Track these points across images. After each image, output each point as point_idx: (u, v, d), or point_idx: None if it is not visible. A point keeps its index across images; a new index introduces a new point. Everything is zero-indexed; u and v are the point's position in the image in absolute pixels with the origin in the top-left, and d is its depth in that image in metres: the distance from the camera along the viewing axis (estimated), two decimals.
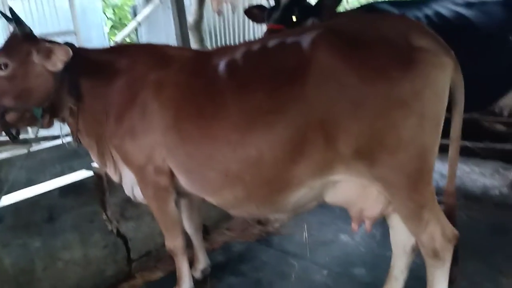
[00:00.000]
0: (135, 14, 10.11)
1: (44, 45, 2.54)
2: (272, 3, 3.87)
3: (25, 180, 4.10)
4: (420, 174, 2.21)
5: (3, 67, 2.51)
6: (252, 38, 9.90)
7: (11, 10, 2.48)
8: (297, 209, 2.62)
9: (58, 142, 4.61)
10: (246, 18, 10.18)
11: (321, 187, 2.42)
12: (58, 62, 2.52)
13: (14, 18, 2.49)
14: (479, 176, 5.02)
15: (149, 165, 2.61)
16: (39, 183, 3.25)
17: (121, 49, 2.98)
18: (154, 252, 3.71)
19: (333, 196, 2.49)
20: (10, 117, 2.61)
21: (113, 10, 17.04)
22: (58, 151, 4.50)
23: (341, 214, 4.18)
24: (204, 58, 2.65)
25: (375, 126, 2.10)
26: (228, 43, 9.53)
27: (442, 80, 2.12)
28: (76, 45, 2.81)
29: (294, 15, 3.63)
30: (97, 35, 10.39)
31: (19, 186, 3.25)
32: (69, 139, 3.04)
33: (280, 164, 2.29)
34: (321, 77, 2.14)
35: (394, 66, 2.06)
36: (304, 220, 4.20)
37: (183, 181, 2.66)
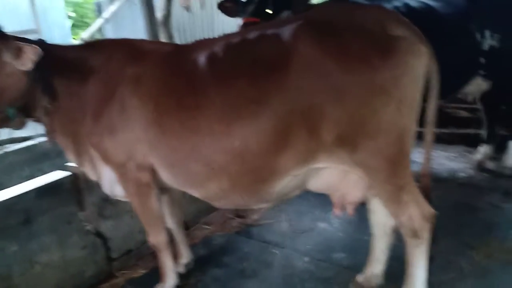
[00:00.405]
0: (99, 11, 9.89)
1: (14, 44, 2.44)
2: None
3: None
4: (399, 157, 2.30)
5: None
6: (220, 33, 9.87)
7: None
8: (280, 198, 2.65)
9: (26, 144, 4.48)
10: (215, 14, 10.21)
11: (304, 175, 2.46)
12: (28, 61, 2.43)
13: None
14: (445, 159, 5.29)
15: (130, 162, 2.58)
16: (8, 186, 3.12)
17: (96, 45, 2.90)
18: (135, 250, 3.67)
19: (315, 183, 2.55)
20: None
21: (74, 8, 16.62)
22: (26, 153, 4.35)
23: (317, 202, 4.30)
24: (183, 51, 2.64)
25: (357, 113, 2.18)
26: (196, 39, 9.46)
27: (419, 67, 2.21)
28: None
29: (268, 8, 3.67)
30: (60, 34, 10.11)
31: None
32: (40, 139, 2.97)
33: (265, 153, 2.31)
34: (304, 66, 2.18)
35: (374, 55, 2.13)
36: (282, 210, 4.27)
37: (165, 176, 2.64)
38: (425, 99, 2.33)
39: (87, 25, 16.14)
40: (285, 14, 3.75)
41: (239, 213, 4.35)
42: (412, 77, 2.19)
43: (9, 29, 2.57)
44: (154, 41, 3.44)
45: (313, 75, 2.17)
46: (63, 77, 2.62)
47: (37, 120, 2.77)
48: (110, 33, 9.70)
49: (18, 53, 2.43)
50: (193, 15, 9.56)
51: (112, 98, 2.54)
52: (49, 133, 2.75)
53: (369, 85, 2.14)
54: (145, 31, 5.69)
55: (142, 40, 2.89)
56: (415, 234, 2.44)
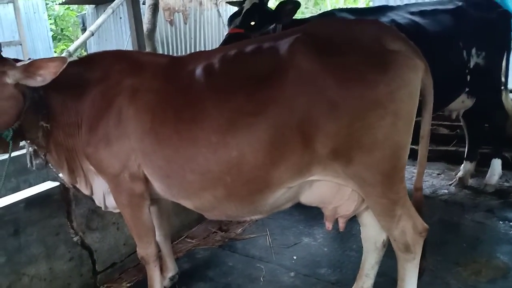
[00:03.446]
0: (83, 24, 9.89)
1: (22, 65, 2.39)
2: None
3: None
4: (394, 171, 2.31)
5: None
6: (203, 47, 10.03)
7: None
8: (273, 210, 2.65)
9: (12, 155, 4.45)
10: (197, 28, 10.37)
11: (298, 187, 2.48)
12: (47, 76, 2.38)
13: None
14: (428, 176, 5.35)
15: (124, 172, 2.58)
16: None
17: (90, 59, 2.88)
18: (119, 263, 3.67)
19: (309, 196, 2.56)
20: None
21: (55, 21, 16.55)
22: (13, 165, 4.33)
23: (301, 217, 4.35)
24: (179, 63, 2.66)
25: (352, 127, 2.17)
26: (180, 52, 9.56)
27: (414, 81, 2.22)
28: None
29: (253, 20, 3.82)
30: (43, 47, 10.06)
31: None
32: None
33: (260, 164, 2.32)
34: (300, 80, 2.20)
35: (370, 69, 2.15)
36: (265, 225, 4.29)
37: (159, 187, 2.65)
38: (417, 114, 2.34)
39: (67, 38, 16.10)
40: (273, 26, 3.87)
41: (222, 227, 4.36)
42: (408, 91, 2.19)
43: None
44: (151, 53, 3.43)
45: (309, 89, 2.18)
46: (58, 94, 2.61)
47: (32, 141, 2.70)
48: (95, 46, 9.71)
49: (33, 71, 2.38)
50: (177, 29, 9.71)
51: (109, 109, 2.53)
52: (44, 153, 2.72)
53: (365, 99, 2.14)
54: (130, 44, 5.76)
55: (138, 52, 2.87)
56: (408, 249, 2.46)
